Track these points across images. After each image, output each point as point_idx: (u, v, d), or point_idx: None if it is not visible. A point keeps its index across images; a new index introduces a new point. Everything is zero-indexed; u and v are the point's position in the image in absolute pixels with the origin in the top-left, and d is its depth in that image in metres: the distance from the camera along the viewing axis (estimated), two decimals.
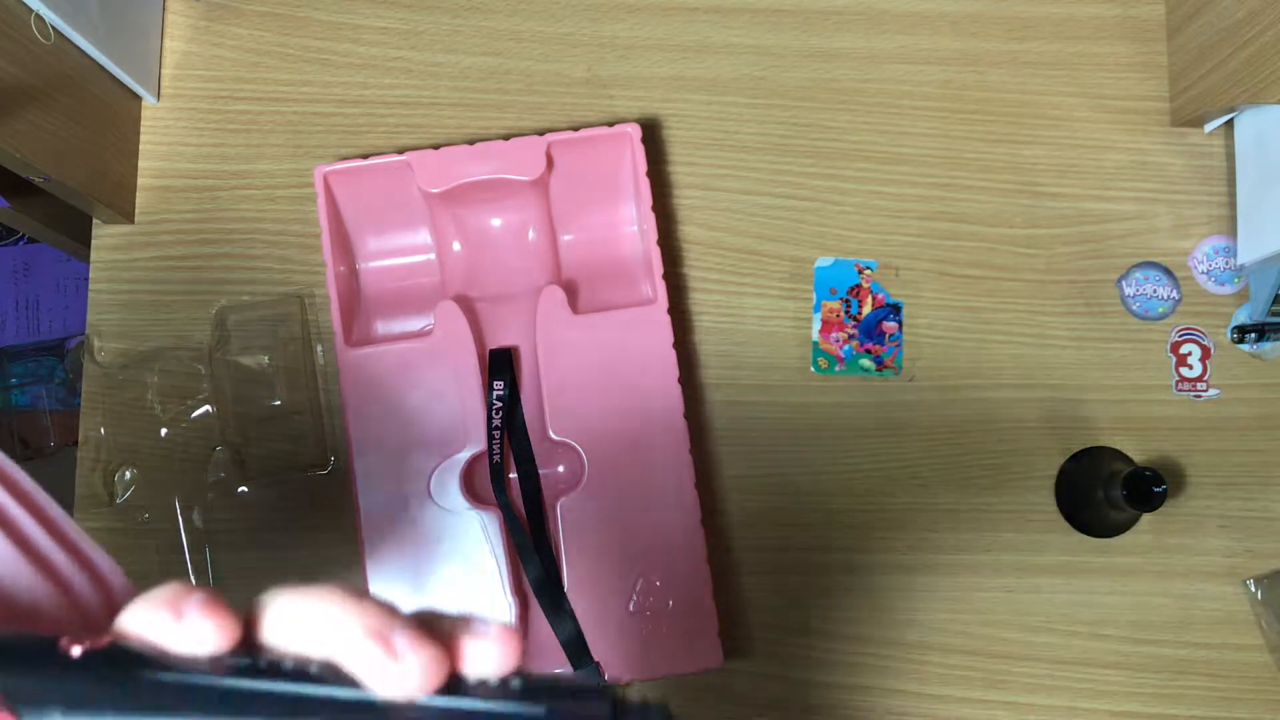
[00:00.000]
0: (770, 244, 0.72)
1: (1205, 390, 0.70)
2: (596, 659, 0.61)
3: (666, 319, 0.65)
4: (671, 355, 0.64)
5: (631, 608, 0.62)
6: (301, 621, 0.22)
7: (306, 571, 0.66)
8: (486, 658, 0.23)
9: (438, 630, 0.23)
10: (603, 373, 0.64)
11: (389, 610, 0.23)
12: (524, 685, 0.23)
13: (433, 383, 0.64)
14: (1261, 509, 0.69)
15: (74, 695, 0.20)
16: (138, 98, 0.73)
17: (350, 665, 0.22)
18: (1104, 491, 0.65)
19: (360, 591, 0.23)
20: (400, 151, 0.66)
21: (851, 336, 0.70)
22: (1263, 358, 0.70)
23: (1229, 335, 0.70)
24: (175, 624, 0.22)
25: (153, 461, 0.68)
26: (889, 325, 0.70)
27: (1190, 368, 0.70)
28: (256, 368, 0.69)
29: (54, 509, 0.31)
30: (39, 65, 0.61)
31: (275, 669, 0.22)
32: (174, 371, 0.69)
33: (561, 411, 0.64)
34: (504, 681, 0.23)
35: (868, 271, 0.71)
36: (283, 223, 0.71)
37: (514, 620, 0.62)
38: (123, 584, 0.29)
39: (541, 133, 0.66)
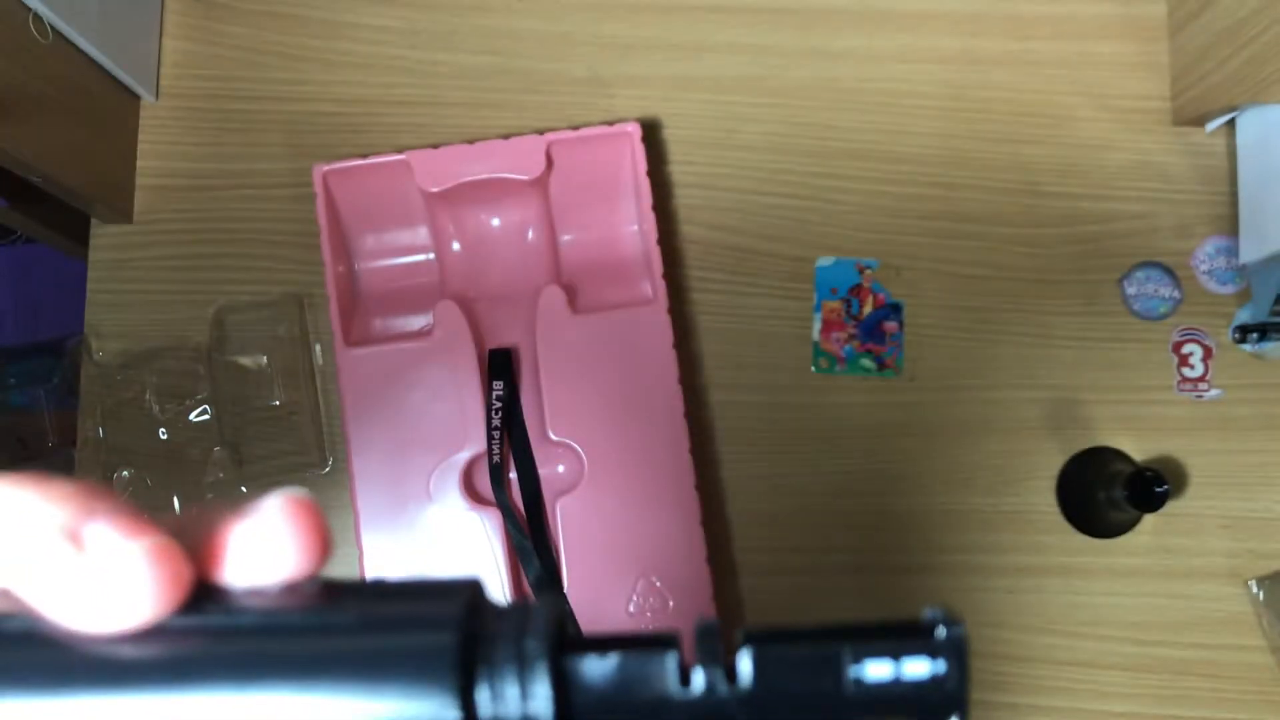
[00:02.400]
0: (771, 243, 0.71)
1: (1207, 390, 0.70)
2: None
3: (666, 319, 0.64)
4: (671, 355, 0.64)
5: (631, 608, 0.62)
6: None
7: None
8: (260, 552, 0.15)
9: (190, 527, 0.15)
10: (603, 373, 0.64)
11: (97, 496, 0.14)
12: (322, 589, 0.15)
13: (432, 383, 0.64)
14: (1263, 509, 0.69)
15: None
16: (136, 97, 0.72)
17: (27, 590, 0.14)
18: (1106, 492, 0.65)
19: (63, 482, 0.15)
20: (399, 151, 0.66)
21: (852, 336, 0.70)
22: (1264, 358, 0.70)
23: (1231, 335, 0.70)
24: None
25: (151, 462, 0.68)
26: (890, 325, 0.70)
27: (1192, 368, 0.70)
28: (255, 368, 0.68)
29: None
30: (37, 65, 0.61)
31: None
32: (172, 372, 0.69)
33: (561, 411, 0.64)
34: (292, 588, 0.15)
35: (869, 271, 0.71)
36: (281, 222, 0.71)
37: None
38: None
39: (541, 132, 0.65)
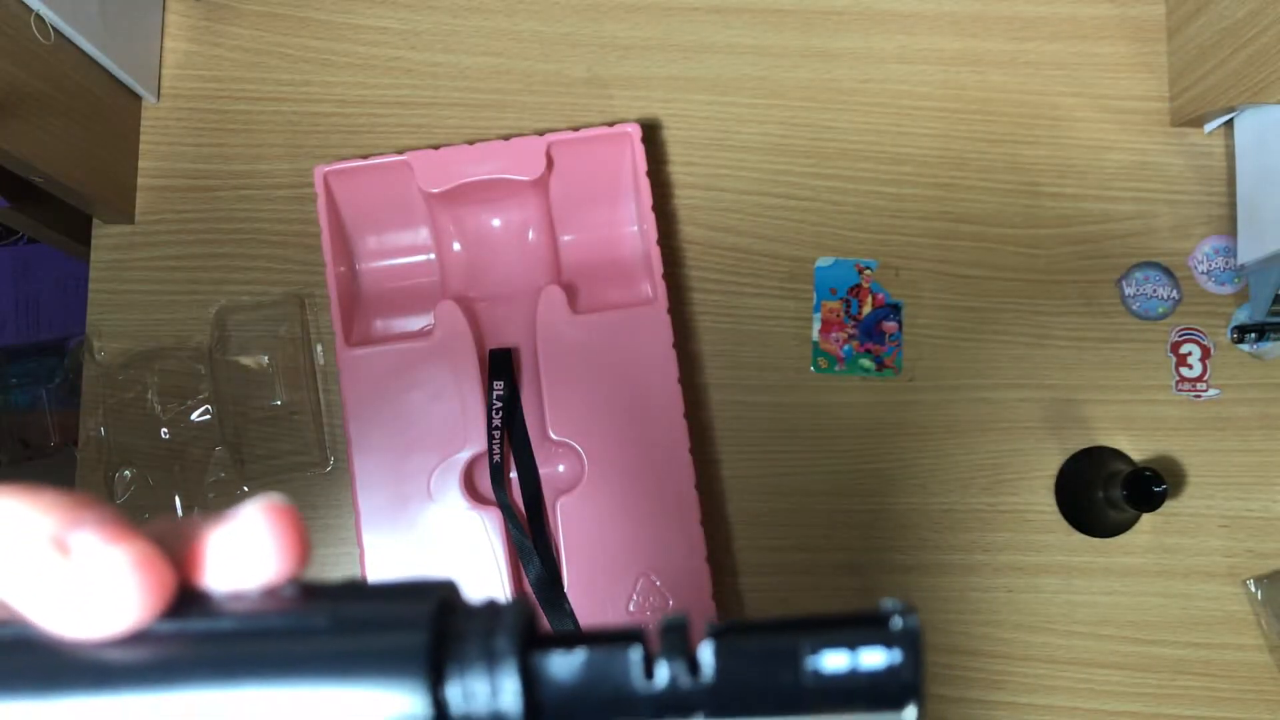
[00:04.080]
0: (770, 244, 0.72)
1: (1205, 390, 0.70)
2: None
3: (666, 319, 0.65)
4: (671, 355, 0.64)
5: (631, 607, 0.62)
6: None
7: (305, 572, 0.66)
8: (240, 557, 0.15)
9: (173, 532, 0.15)
10: (603, 373, 0.64)
11: (83, 504, 0.14)
12: (300, 591, 0.16)
13: (433, 383, 0.64)
14: (1261, 509, 0.69)
15: None
16: (138, 98, 0.73)
17: (15, 597, 0.14)
18: (1104, 491, 0.65)
19: (50, 491, 0.15)
20: (400, 151, 0.66)
21: (851, 336, 0.70)
22: (1262, 358, 0.70)
23: (1229, 335, 0.70)
24: None
25: (153, 461, 0.68)
26: (889, 325, 0.70)
27: (1190, 368, 0.70)
28: (256, 368, 0.69)
29: None
30: (39, 65, 0.61)
31: None
32: (174, 371, 0.69)
33: (561, 411, 0.64)
34: (271, 591, 0.16)
35: (868, 271, 0.71)
36: (283, 223, 0.71)
37: None
38: None
39: (541, 133, 0.66)
